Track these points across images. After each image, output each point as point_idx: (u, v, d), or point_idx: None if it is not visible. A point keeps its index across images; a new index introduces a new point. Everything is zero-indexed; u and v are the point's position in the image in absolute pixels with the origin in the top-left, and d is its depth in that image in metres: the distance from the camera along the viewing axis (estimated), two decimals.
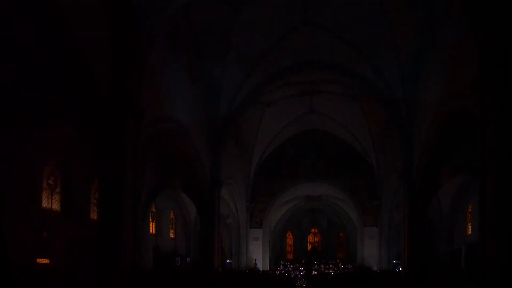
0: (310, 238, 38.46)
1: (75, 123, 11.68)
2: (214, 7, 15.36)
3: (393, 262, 26.72)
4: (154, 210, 23.65)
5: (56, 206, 16.22)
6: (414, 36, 15.77)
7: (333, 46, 18.11)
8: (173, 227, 26.67)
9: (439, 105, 14.25)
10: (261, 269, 26.30)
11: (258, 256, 29.10)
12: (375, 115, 21.97)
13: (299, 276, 25.04)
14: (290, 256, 37.84)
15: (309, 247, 38.00)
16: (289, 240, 38.48)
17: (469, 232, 21.18)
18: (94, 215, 17.76)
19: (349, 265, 30.61)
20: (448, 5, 13.24)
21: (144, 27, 11.58)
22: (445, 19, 13.68)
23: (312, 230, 38.35)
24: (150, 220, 22.99)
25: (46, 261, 15.10)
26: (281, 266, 30.35)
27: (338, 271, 27.46)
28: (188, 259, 25.88)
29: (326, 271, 27.06)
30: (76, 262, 15.61)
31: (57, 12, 8.59)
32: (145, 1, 11.46)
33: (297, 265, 30.75)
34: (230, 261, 29.88)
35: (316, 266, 30.17)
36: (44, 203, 15.54)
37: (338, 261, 33.50)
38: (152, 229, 23.48)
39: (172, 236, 26.39)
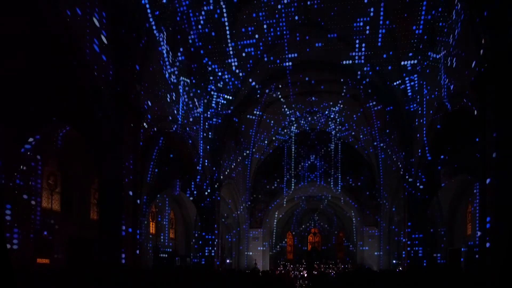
0: (310, 238, 38.46)
1: (75, 123, 11.67)
2: (214, 7, 15.37)
3: (393, 262, 26.73)
4: (154, 210, 23.68)
5: (56, 206, 16.22)
6: (414, 36, 15.78)
7: (333, 46, 18.13)
8: (173, 227, 26.68)
9: (439, 105, 14.26)
10: (261, 269, 26.28)
11: (258, 256, 29.11)
12: (375, 115, 21.98)
13: (299, 276, 25.02)
14: (290, 256, 37.84)
15: (309, 247, 37.99)
16: (289, 240, 38.48)
17: (469, 232, 21.17)
18: (94, 215, 17.78)
19: (349, 265, 30.62)
20: (448, 5, 13.25)
21: (144, 27, 11.60)
22: (446, 19, 13.69)
23: (312, 230, 38.34)
24: (150, 220, 23.00)
25: (46, 261, 15.09)
26: (281, 266, 30.33)
27: (338, 271, 27.45)
28: (188, 259, 25.89)
29: (326, 271, 27.02)
30: (76, 262, 15.61)
31: (56, 12, 8.59)
32: (145, 1, 11.49)
33: (297, 265, 30.75)
34: (230, 261, 29.87)
35: (316, 266, 30.17)
36: (44, 203, 15.54)
37: (338, 261, 33.51)
38: (152, 229, 23.50)
39: (172, 236, 26.39)
